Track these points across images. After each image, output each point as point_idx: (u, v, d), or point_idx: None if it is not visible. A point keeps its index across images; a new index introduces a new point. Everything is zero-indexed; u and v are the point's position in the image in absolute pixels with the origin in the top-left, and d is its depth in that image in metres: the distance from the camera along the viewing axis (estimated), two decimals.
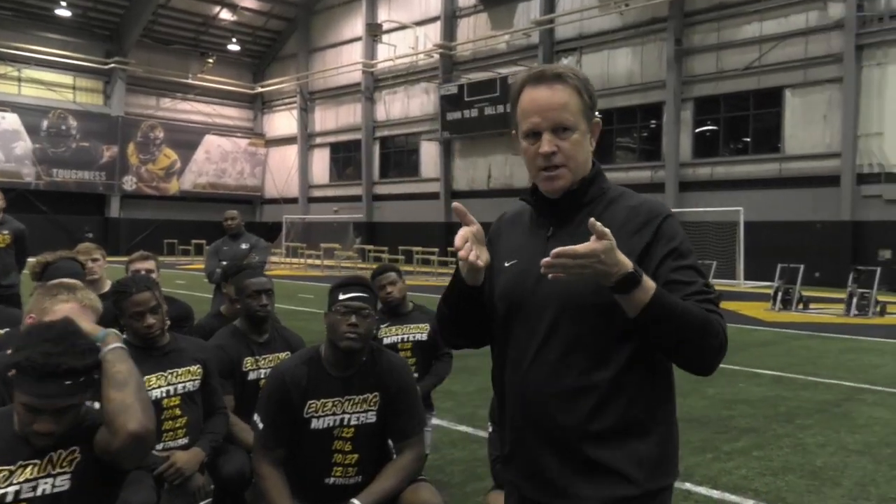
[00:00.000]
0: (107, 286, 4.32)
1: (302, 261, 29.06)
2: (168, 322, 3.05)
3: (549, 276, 1.43)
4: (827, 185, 20.51)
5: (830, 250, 20.01)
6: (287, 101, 38.31)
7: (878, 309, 13.64)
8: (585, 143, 1.64)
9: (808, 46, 21.12)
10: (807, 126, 21.18)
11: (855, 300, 13.68)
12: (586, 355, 1.55)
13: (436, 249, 25.09)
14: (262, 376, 3.35)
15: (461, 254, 1.59)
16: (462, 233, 1.61)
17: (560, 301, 1.57)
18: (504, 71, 28.02)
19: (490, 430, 2.96)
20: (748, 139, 22.86)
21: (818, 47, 20.93)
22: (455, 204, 1.64)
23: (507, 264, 1.69)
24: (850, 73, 20.00)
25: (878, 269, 14.20)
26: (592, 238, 1.41)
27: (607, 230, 1.41)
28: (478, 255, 1.59)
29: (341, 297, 2.58)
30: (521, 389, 1.61)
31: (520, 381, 1.62)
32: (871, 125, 19.98)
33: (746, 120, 22.74)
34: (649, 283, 1.45)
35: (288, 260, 30.31)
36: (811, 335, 11.04)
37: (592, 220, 1.41)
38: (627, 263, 1.43)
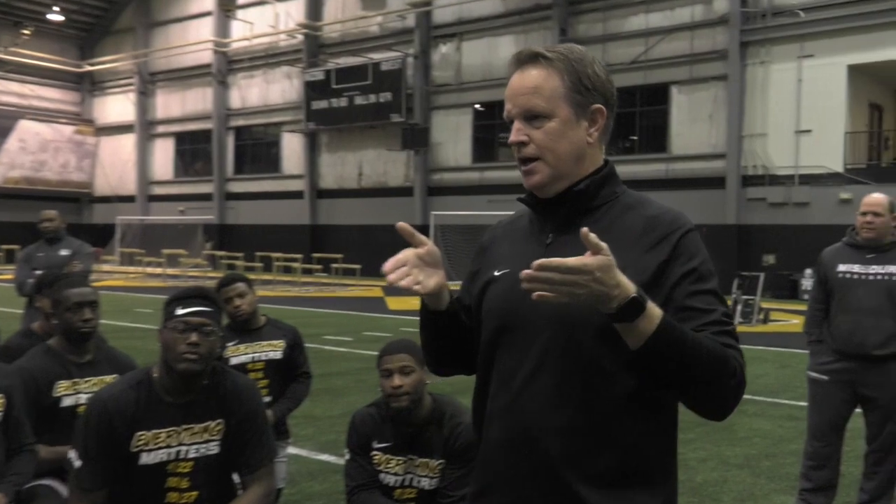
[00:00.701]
0: None
1: (140, 269, 27.94)
2: None
3: (533, 296, 1.31)
4: (713, 187, 22.02)
5: (717, 255, 21.42)
6: (122, 82, 36.74)
7: (761, 316, 14.76)
8: (572, 134, 1.56)
9: (694, 42, 22.63)
10: (693, 125, 22.67)
11: (739, 307, 14.75)
12: (586, 386, 1.47)
13: (299, 256, 24.79)
14: (82, 402, 3.20)
15: (390, 278, 1.51)
16: (400, 255, 1.53)
17: (558, 318, 1.48)
18: (377, 56, 28.13)
19: (347, 457, 2.99)
20: (635, 137, 24.15)
21: (704, 43, 22.46)
22: (400, 224, 1.55)
23: (497, 273, 1.61)
24: (734, 70, 21.60)
25: (762, 275, 15.39)
26: (587, 253, 1.32)
27: (604, 244, 1.32)
28: (417, 281, 1.53)
29: (179, 311, 2.51)
30: (507, 420, 1.54)
31: (506, 409, 1.55)
32: (755, 125, 21.66)
33: (633, 117, 24.02)
34: (655, 311, 1.36)
35: (123, 269, 29.06)
36: None
37: (585, 230, 1.31)
38: (629, 286, 1.34)
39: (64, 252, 6.91)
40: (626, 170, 23.60)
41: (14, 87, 35.99)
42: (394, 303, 18.02)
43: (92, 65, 37.13)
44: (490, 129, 26.38)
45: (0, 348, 3.79)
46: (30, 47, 35.26)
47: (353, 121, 28.56)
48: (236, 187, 32.89)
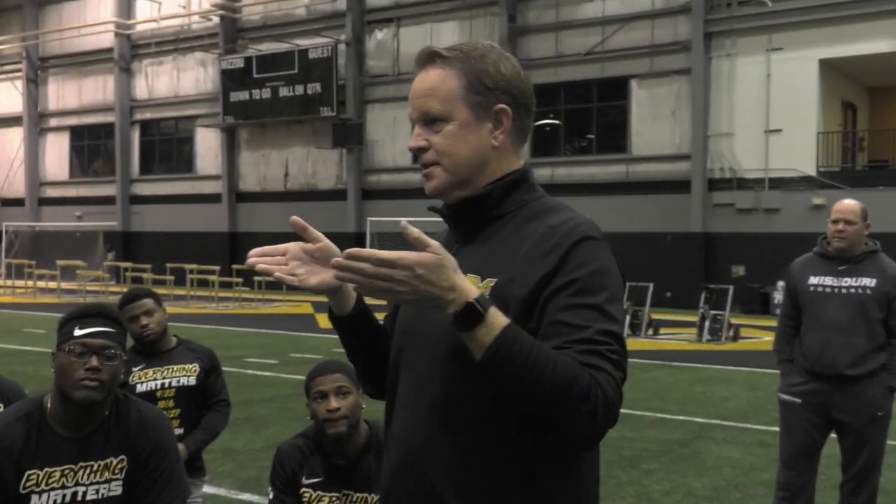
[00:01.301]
0: None
1: (30, 283, 27.22)
2: None
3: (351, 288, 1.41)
4: (677, 191, 22.49)
5: (682, 266, 21.93)
6: (8, 68, 35.88)
7: (731, 333, 15.13)
8: (472, 137, 1.63)
9: (655, 32, 23.13)
10: (654, 123, 23.13)
11: (707, 323, 15.11)
12: (471, 410, 1.53)
13: (216, 268, 24.45)
14: None
15: (254, 263, 1.62)
16: (281, 246, 1.64)
17: (449, 338, 1.52)
18: (304, 42, 28.03)
19: (271, 496, 2.98)
20: (592, 136, 24.52)
21: (665, 33, 22.97)
22: (293, 218, 1.62)
23: None
24: (698, 63, 22.14)
25: (731, 288, 15.77)
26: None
27: (433, 242, 1.41)
28: (293, 273, 1.63)
29: (76, 332, 2.48)
30: (399, 445, 1.62)
31: (399, 434, 1.64)
32: (721, 124, 22.21)
33: (590, 113, 24.39)
34: (497, 321, 1.42)
35: (9, 283, 28.29)
36: (661, 365, 12.05)
37: (404, 222, 1.41)
38: (468, 291, 1.41)
39: None
40: (581, 172, 23.95)
41: None
42: (326, 320, 17.91)
43: None
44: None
45: None
46: None
47: (277, 115, 28.36)
48: (143, 189, 32.45)
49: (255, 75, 28.60)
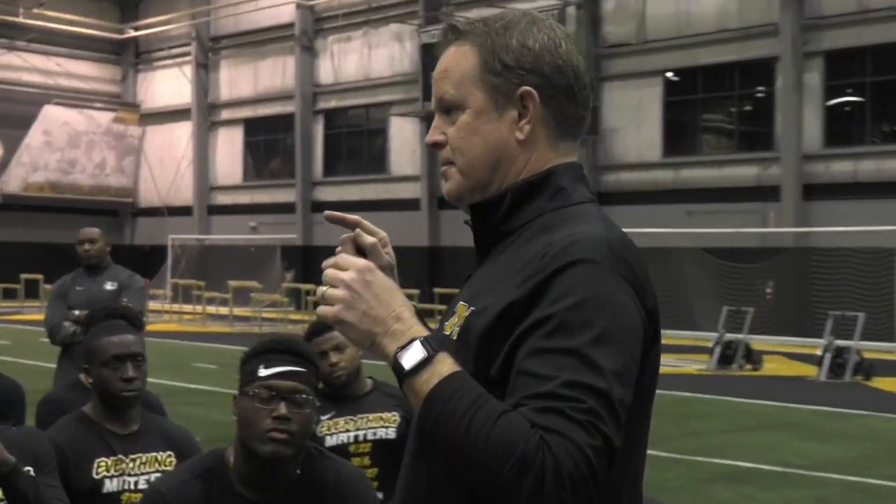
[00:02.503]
0: None
1: (198, 308, 28.93)
2: None
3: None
4: None
5: None
6: (176, 51, 38.60)
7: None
8: (488, 128, 1.68)
9: None
10: None
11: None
12: (431, 473, 1.63)
13: (415, 291, 25.02)
14: (127, 487, 3.40)
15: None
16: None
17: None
18: (522, 6, 28.13)
19: None
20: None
21: None
22: (328, 212, 1.77)
23: None
24: None
25: None
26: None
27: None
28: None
29: (262, 372, 2.59)
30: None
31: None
32: None
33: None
34: (442, 368, 1.48)
35: (175, 307, 30.22)
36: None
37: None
38: (418, 328, 1.53)
39: (109, 286, 7.28)
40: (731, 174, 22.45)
41: (37, 61, 38.39)
42: None
43: (137, 29, 39.18)
44: (688, 108, 25.85)
45: (42, 403, 4.09)
46: (57, 8, 37.07)
47: None
48: (327, 194, 33.65)
49: None
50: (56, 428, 3.48)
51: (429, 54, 29.81)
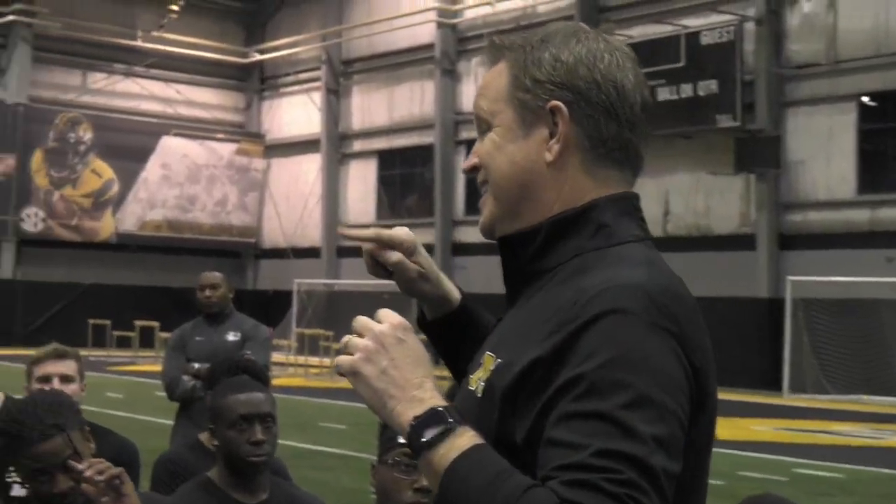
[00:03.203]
0: None
1: (326, 361, 29.15)
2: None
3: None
4: None
5: None
6: (304, 76, 39.38)
7: None
8: (512, 148, 1.70)
9: None
10: None
11: None
12: None
13: None
14: None
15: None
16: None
17: None
18: (694, 22, 28.17)
19: None
20: None
21: None
22: (341, 228, 1.97)
23: None
24: None
25: None
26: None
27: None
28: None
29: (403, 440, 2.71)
30: None
31: None
32: None
33: None
34: (462, 441, 1.47)
35: (301, 359, 30.47)
36: None
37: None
38: (438, 399, 1.54)
39: (231, 336, 7.43)
40: None
41: (156, 88, 39.45)
42: None
43: (262, 52, 40.09)
44: (887, 138, 25.42)
45: (158, 463, 4.28)
46: (178, 31, 38.05)
47: (653, 126, 27.78)
48: (469, 235, 33.65)
49: None
50: (178, 496, 3.57)
51: None
